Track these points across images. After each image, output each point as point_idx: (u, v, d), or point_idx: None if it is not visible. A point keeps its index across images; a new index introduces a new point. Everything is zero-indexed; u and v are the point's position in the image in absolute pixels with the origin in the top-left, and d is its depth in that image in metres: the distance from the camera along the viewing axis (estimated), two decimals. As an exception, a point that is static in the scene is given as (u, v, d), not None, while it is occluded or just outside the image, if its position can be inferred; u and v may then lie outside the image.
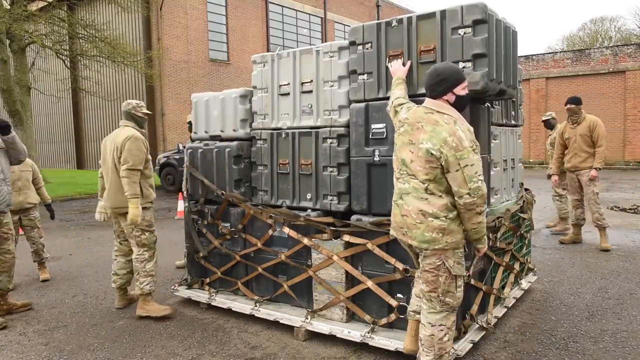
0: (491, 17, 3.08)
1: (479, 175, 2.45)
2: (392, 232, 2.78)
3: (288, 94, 3.88)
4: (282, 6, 22.15)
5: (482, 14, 3.01)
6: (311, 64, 3.75)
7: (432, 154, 2.46)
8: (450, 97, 2.59)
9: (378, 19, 26.73)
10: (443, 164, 2.46)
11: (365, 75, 3.44)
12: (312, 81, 3.74)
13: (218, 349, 3.45)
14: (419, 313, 2.86)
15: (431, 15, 3.18)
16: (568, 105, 6.23)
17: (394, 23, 3.32)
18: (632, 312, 3.96)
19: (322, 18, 24.02)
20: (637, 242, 6.50)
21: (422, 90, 3.11)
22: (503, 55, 3.25)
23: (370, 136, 3.42)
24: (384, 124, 3.35)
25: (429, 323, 2.62)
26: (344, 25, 25.32)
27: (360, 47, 3.47)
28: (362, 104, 3.46)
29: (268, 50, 19.64)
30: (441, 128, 2.47)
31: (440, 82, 2.58)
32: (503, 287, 3.86)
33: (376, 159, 3.38)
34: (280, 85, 3.92)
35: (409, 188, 2.57)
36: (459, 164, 2.42)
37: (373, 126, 3.40)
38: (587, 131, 6.07)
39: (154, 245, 4.20)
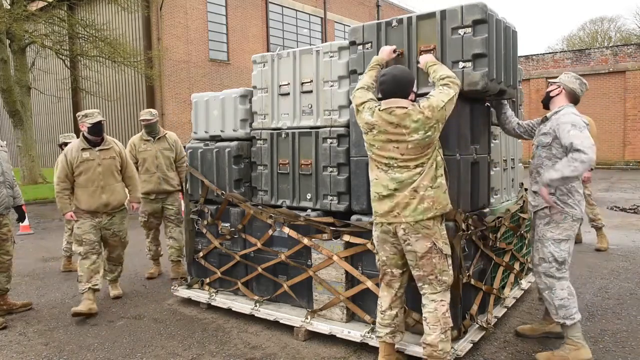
0: (491, 17, 3.08)
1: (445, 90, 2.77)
2: (378, 220, 2.86)
3: (288, 94, 3.88)
4: (282, 6, 22.14)
5: (482, 13, 3.01)
6: (311, 64, 3.75)
7: (425, 138, 2.70)
8: (412, 96, 2.88)
9: (378, 19, 26.73)
10: (435, 132, 2.73)
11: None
12: (312, 81, 3.74)
13: (218, 349, 3.45)
14: (393, 333, 2.94)
15: (431, 15, 3.18)
16: None
17: (394, 23, 3.32)
18: (632, 312, 3.96)
19: (322, 18, 24.01)
20: (637, 242, 6.50)
21: (422, 90, 3.11)
22: (503, 55, 3.25)
23: (370, 136, 3.42)
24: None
25: (432, 300, 2.80)
26: (344, 25, 25.31)
27: (360, 47, 3.47)
28: (362, 104, 3.46)
29: (268, 50, 19.64)
30: (413, 115, 2.71)
31: (406, 85, 2.84)
32: (503, 287, 3.86)
33: (376, 159, 3.38)
34: (280, 85, 3.92)
35: (402, 177, 2.75)
36: (441, 108, 2.71)
37: (373, 126, 3.40)
38: None
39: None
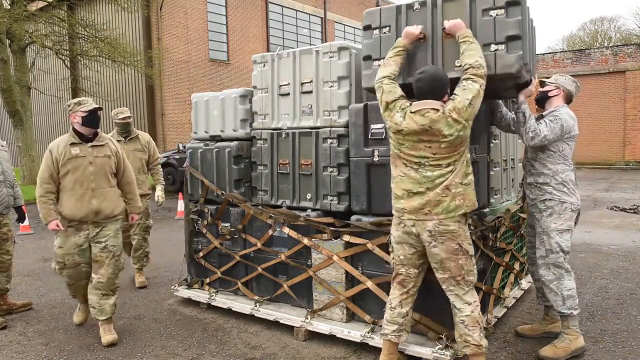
0: None
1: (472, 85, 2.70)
2: (405, 217, 2.79)
3: (288, 94, 3.88)
4: (282, 6, 22.14)
5: None
6: (311, 64, 3.74)
7: (457, 138, 2.68)
8: (445, 97, 2.78)
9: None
10: (466, 131, 2.71)
11: (382, 61, 3.12)
12: (311, 81, 3.74)
13: (218, 349, 3.45)
14: (399, 332, 2.93)
15: None
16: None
17: (416, 5, 3.09)
18: (632, 312, 3.96)
19: (322, 18, 24.01)
20: (637, 242, 6.50)
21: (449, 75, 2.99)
22: (529, 46, 3.07)
23: (369, 136, 3.42)
24: (383, 124, 3.34)
25: (466, 303, 2.79)
26: (344, 25, 25.32)
27: (376, 32, 3.24)
28: (361, 105, 3.46)
29: (268, 50, 19.64)
30: (444, 119, 2.66)
31: (443, 86, 2.78)
32: (503, 287, 3.86)
33: (375, 159, 3.38)
34: (280, 86, 3.91)
35: (434, 175, 2.73)
36: (469, 105, 2.66)
37: (372, 126, 3.40)
38: None
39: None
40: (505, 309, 3.79)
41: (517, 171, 4.42)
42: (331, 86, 3.63)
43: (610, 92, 20.27)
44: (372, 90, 3.22)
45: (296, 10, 22.85)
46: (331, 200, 3.65)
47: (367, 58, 3.32)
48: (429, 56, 3.03)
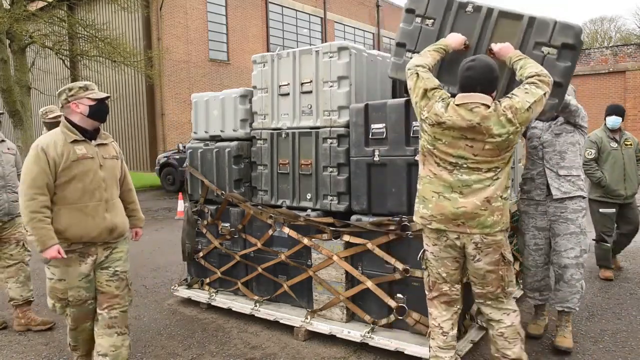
0: (581, 44, 2.74)
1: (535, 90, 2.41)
2: (434, 225, 2.52)
3: (288, 94, 3.88)
4: (282, 6, 22.13)
5: (575, 39, 2.68)
6: (311, 64, 3.74)
7: (505, 141, 2.39)
8: (495, 94, 2.51)
9: (378, 19, 26.76)
10: (516, 136, 2.41)
11: (416, 54, 2.88)
12: (311, 81, 3.74)
13: (218, 349, 3.45)
14: (455, 356, 2.69)
15: (517, 16, 2.79)
16: None
17: (469, 8, 2.89)
18: (632, 312, 3.96)
19: (322, 18, 24.00)
20: (637, 242, 6.49)
21: None
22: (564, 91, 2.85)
23: (370, 136, 3.42)
24: (384, 124, 3.35)
25: (505, 313, 2.58)
26: (344, 25, 25.31)
27: (418, 20, 3.02)
28: (362, 104, 3.46)
29: (268, 50, 19.64)
30: (497, 117, 2.37)
31: (495, 80, 2.50)
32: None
33: (376, 159, 3.38)
34: (280, 86, 3.91)
35: (470, 180, 2.44)
36: (528, 109, 2.38)
37: (372, 126, 3.40)
38: None
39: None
40: (505, 309, 3.79)
41: (517, 171, 4.42)
42: (331, 86, 3.63)
43: (610, 92, 20.27)
44: (398, 79, 3.11)
45: (296, 10, 22.85)
46: (331, 200, 3.65)
47: (401, 45, 3.11)
48: None
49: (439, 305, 2.67)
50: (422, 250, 2.74)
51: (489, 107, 2.39)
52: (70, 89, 2.82)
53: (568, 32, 2.69)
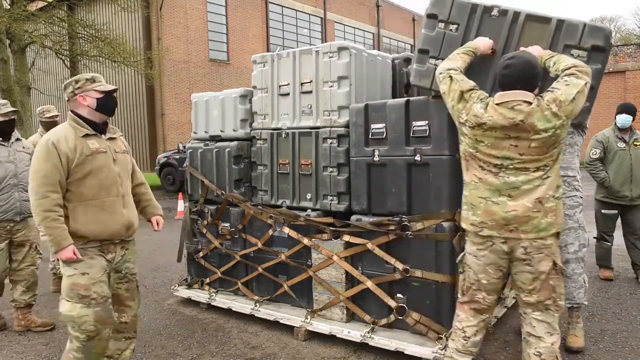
0: (610, 46, 2.71)
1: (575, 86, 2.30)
2: (486, 232, 2.40)
3: (288, 94, 3.88)
4: (282, 6, 22.14)
5: (605, 41, 2.64)
6: (311, 64, 3.74)
7: (551, 137, 2.28)
8: (537, 91, 2.39)
9: (378, 19, 26.76)
10: (562, 130, 2.30)
11: (440, 61, 2.85)
12: (311, 81, 3.74)
13: (218, 349, 3.45)
14: None
15: (544, 19, 2.74)
16: None
17: (495, 12, 2.82)
18: (632, 312, 3.96)
19: (322, 18, 24.01)
20: (637, 242, 6.50)
21: None
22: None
23: (370, 136, 3.42)
24: (383, 124, 3.34)
25: (548, 332, 2.41)
26: (344, 25, 25.31)
27: (441, 25, 2.94)
28: (362, 104, 3.46)
29: (268, 50, 19.64)
30: (541, 112, 2.27)
31: (536, 76, 2.40)
32: (503, 287, 3.85)
33: (376, 159, 3.38)
34: (280, 86, 3.91)
35: (518, 181, 2.33)
36: (572, 101, 2.27)
37: (372, 126, 3.40)
38: None
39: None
40: (505, 309, 3.79)
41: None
42: (331, 86, 3.63)
43: (610, 92, 20.26)
44: (421, 87, 3.07)
45: (296, 10, 22.86)
46: (331, 200, 3.65)
47: (423, 52, 3.05)
48: (492, 75, 2.78)
49: (467, 310, 2.58)
50: (462, 254, 2.65)
51: (531, 103, 2.29)
52: (77, 81, 2.71)
53: (598, 34, 2.64)
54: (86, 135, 2.66)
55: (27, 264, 3.97)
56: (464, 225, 2.54)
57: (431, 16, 3.00)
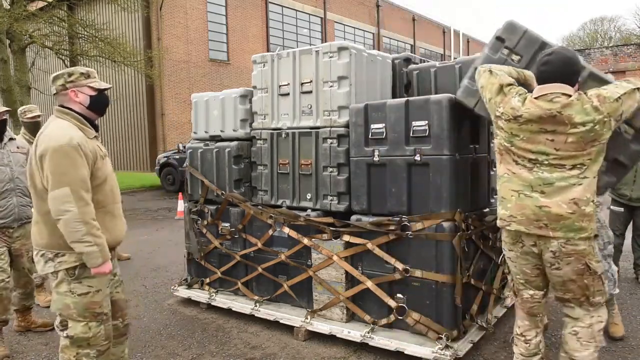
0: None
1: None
2: (514, 226, 2.37)
3: (288, 94, 3.88)
4: (282, 6, 22.13)
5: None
6: (311, 64, 3.74)
7: (590, 132, 2.21)
8: (577, 87, 2.34)
9: (378, 19, 26.76)
10: (603, 128, 2.22)
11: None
12: (311, 81, 3.74)
13: (218, 349, 3.45)
14: None
15: (604, 81, 2.61)
16: None
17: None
18: (632, 312, 3.96)
19: (322, 18, 24.00)
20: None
21: None
22: None
23: (369, 136, 3.42)
24: (383, 124, 3.35)
25: (586, 315, 2.41)
26: (344, 25, 25.31)
27: (505, 52, 2.89)
28: (362, 104, 3.46)
29: (268, 50, 19.63)
30: (580, 104, 2.22)
31: (576, 72, 2.35)
32: (503, 287, 3.86)
33: (376, 159, 3.38)
34: (280, 86, 3.91)
35: (552, 178, 2.27)
36: (618, 100, 2.22)
37: (372, 126, 3.40)
38: None
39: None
40: (505, 309, 3.79)
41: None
42: (331, 86, 3.63)
43: (610, 92, 20.31)
44: (464, 104, 3.04)
45: (296, 10, 22.85)
46: (331, 200, 3.65)
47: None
48: None
49: (522, 314, 2.58)
50: (502, 254, 2.63)
51: (570, 96, 2.23)
52: (70, 74, 2.50)
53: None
54: (95, 137, 2.55)
55: (23, 274, 3.83)
56: (498, 223, 2.49)
57: (499, 39, 2.93)
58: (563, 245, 2.27)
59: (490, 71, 2.53)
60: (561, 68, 2.29)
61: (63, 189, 2.30)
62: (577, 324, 2.40)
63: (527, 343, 2.55)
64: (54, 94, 2.55)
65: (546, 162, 2.28)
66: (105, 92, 2.61)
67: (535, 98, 2.31)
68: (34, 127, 4.38)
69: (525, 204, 2.32)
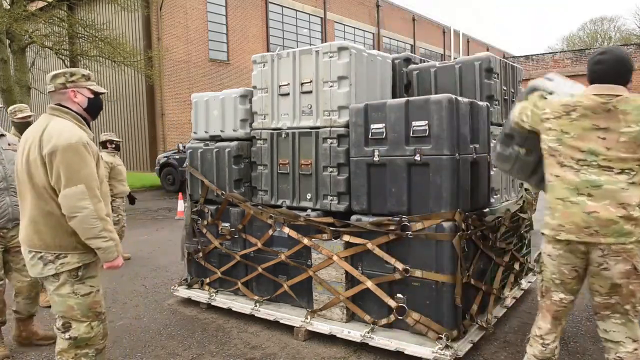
0: None
1: None
2: (563, 236, 2.30)
3: (288, 94, 3.88)
4: (282, 6, 22.15)
5: None
6: (311, 64, 3.74)
7: None
8: (630, 85, 2.32)
9: (378, 19, 26.77)
10: None
11: (524, 149, 2.79)
12: (311, 81, 3.74)
13: (218, 349, 3.45)
14: None
15: None
16: None
17: None
18: (632, 312, 3.96)
19: (322, 18, 24.02)
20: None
21: None
22: None
23: (369, 136, 3.42)
24: (383, 124, 3.35)
25: (629, 338, 2.29)
26: (344, 25, 25.32)
27: (517, 147, 2.82)
28: (362, 104, 3.46)
29: (268, 50, 19.64)
30: (634, 101, 2.19)
31: (629, 72, 2.32)
32: (503, 287, 3.86)
33: (376, 159, 3.38)
34: (280, 86, 3.92)
35: (601, 180, 2.20)
36: None
37: (372, 126, 3.40)
38: None
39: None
40: (505, 309, 3.80)
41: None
42: (331, 86, 3.63)
43: (610, 92, 20.28)
44: (501, 169, 3.05)
45: (296, 10, 22.86)
46: (331, 200, 3.65)
47: (509, 137, 2.93)
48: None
49: (547, 316, 2.50)
50: (538, 253, 2.56)
51: (621, 95, 2.21)
52: (72, 74, 2.55)
53: None
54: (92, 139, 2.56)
55: (26, 272, 3.33)
56: (544, 231, 2.42)
57: (508, 136, 2.90)
58: (613, 244, 2.21)
59: (520, 106, 2.56)
60: (615, 67, 2.26)
61: (79, 186, 2.32)
62: (620, 349, 2.30)
63: (544, 347, 2.49)
64: (51, 92, 2.55)
65: (594, 164, 2.22)
66: (101, 97, 2.66)
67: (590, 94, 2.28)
68: (24, 128, 3.98)
69: (573, 212, 2.26)
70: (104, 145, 6.13)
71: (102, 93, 2.64)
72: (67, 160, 2.32)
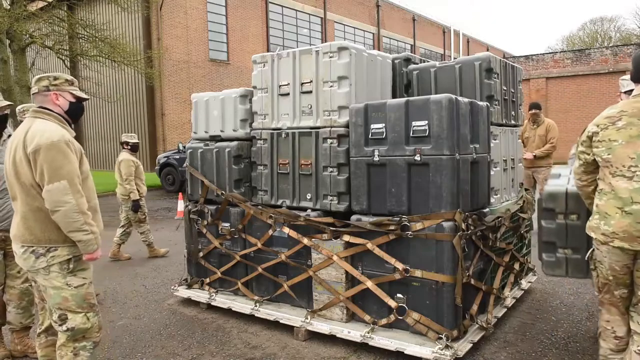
0: None
1: None
2: (617, 243, 2.31)
3: (288, 94, 3.88)
4: (282, 6, 22.14)
5: None
6: (311, 64, 3.74)
7: None
8: None
9: (378, 19, 26.77)
10: None
11: (570, 250, 2.96)
12: (311, 81, 3.74)
13: (218, 349, 3.45)
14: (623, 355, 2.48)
15: None
16: (533, 110, 7.00)
17: None
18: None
19: (322, 18, 24.01)
20: (637, 242, 6.50)
21: None
22: None
23: (369, 136, 3.42)
24: (383, 124, 3.35)
25: None
26: (344, 25, 25.31)
27: (561, 216, 2.97)
28: (362, 104, 3.46)
29: (268, 50, 19.64)
30: None
31: None
32: (503, 287, 3.86)
33: (375, 159, 3.38)
34: (280, 86, 3.91)
35: None
36: None
37: (372, 126, 3.40)
38: (545, 132, 6.93)
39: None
40: (505, 309, 3.80)
41: (517, 171, 4.43)
42: (331, 86, 3.63)
43: (610, 92, 20.25)
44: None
45: (296, 10, 22.86)
46: (331, 200, 3.65)
47: (549, 244, 3.10)
48: None
49: (611, 309, 2.51)
50: (591, 250, 2.58)
51: None
52: (56, 78, 2.65)
53: None
54: (75, 137, 2.65)
55: (20, 280, 3.40)
56: (593, 234, 2.45)
57: (548, 210, 3.03)
58: None
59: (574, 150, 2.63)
60: (636, 66, 2.32)
61: (62, 182, 2.43)
62: None
63: (617, 340, 2.49)
64: (34, 93, 2.64)
65: None
66: (83, 103, 2.75)
67: (633, 98, 2.34)
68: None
69: (627, 222, 2.26)
70: (122, 145, 6.31)
71: (85, 99, 2.74)
72: (50, 158, 2.42)
